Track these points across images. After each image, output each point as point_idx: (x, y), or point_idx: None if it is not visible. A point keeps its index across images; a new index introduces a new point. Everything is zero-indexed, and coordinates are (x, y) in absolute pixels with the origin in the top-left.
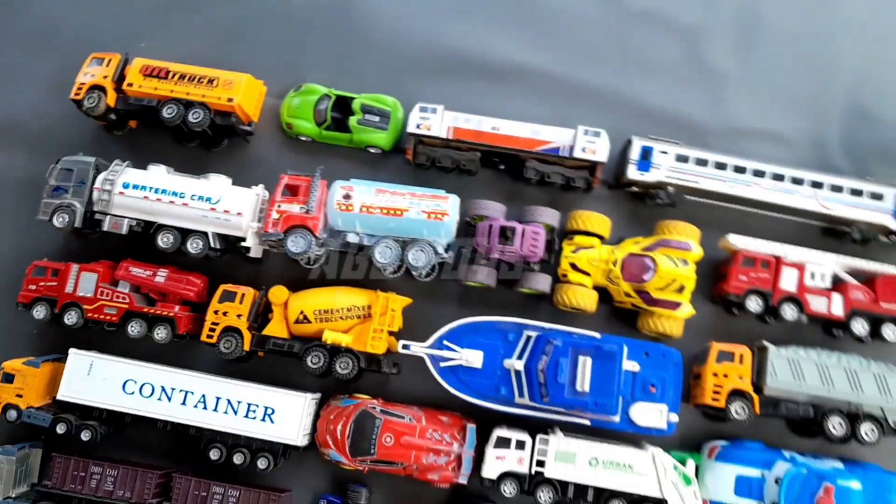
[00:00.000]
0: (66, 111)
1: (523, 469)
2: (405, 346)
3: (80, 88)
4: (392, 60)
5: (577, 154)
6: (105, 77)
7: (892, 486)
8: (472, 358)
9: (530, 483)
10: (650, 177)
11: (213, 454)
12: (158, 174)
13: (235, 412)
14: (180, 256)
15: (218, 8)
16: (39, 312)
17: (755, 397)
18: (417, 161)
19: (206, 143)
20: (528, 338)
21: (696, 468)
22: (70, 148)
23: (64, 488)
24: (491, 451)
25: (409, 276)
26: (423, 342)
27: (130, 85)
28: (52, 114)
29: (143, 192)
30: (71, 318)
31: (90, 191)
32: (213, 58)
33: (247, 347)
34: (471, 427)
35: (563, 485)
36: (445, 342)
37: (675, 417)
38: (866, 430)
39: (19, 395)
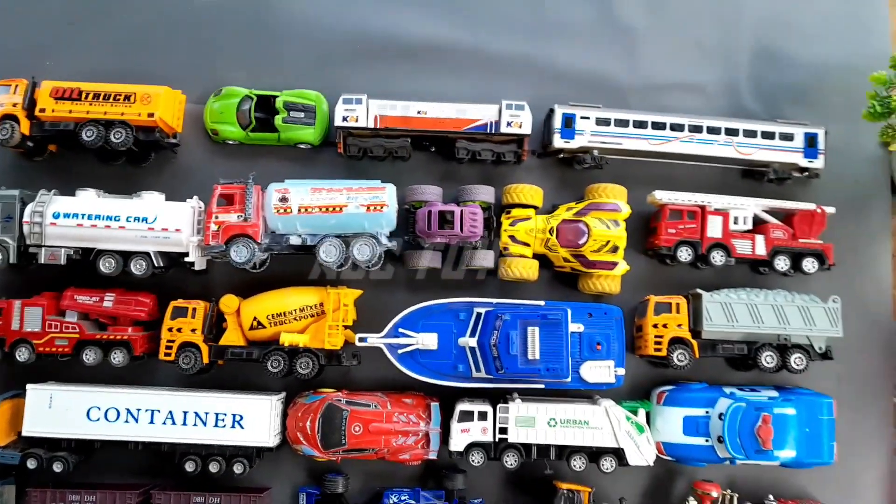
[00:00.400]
0: None
1: (488, 438)
2: (362, 339)
3: None
4: (308, 52)
5: (504, 129)
6: (14, 105)
7: (821, 406)
8: (428, 341)
9: (496, 450)
10: (575, 143)
11: (189, 466)
12: (89, 199)
13: (205, 423)
14: (123, 276)
15: (119, 19)
16: None
17: (694, 343)
18: (349, 153)
19: (133, 159)
20: (479, 315)
21: (647, 415)
22: None
23: None
24: (456, 426)
25: (355, 268)
26: (378, 332)
27: (43, 110)
28: None
29: (75, 219)
30: (22, 355)
31: (20, 225)
32: (123, 71)
33: (206, 360)
34: (434, 405)
35: (527, 447)
36: (400, 329)
37: (621, 371)
38: (795, 359)
39: None
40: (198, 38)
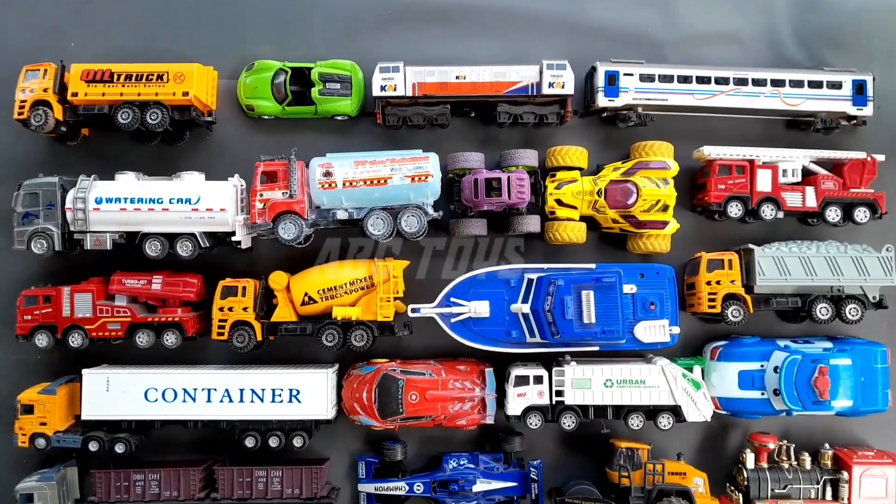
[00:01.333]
0: (11, 131)
1: (544, 401)
2: (415, 310)
3: (22, 106)
4: (339, 21)
5: (546, 90)
6: (46, 90)
7: (876, 355)
8: (480, 308)
9: (553, 412)
10: (619, 101)
11: (249, 442)
12: (129, 183)
13: (262, 399)
14: (168, 258)
15: None
16: (41, 341)
17: (747, 298)
18: (388, 123)
19: (168, 139)
20: (530, 281)
21: (702, 371)
22: (26, 169)
23: (111, 500)
24: (512, 390)
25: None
26: (428, 302)
27: (75, 94)
28: None
29: (118, 204)
30: (76, 341)
31: (62, 212)
32: (149, 49)
33: (259, 338)
34: (488, 370)
35: (584, 408)
36: (452, 298)
37: (676, 329)
38: (850, 309)
39: (43, 424)
40: (223, 10)
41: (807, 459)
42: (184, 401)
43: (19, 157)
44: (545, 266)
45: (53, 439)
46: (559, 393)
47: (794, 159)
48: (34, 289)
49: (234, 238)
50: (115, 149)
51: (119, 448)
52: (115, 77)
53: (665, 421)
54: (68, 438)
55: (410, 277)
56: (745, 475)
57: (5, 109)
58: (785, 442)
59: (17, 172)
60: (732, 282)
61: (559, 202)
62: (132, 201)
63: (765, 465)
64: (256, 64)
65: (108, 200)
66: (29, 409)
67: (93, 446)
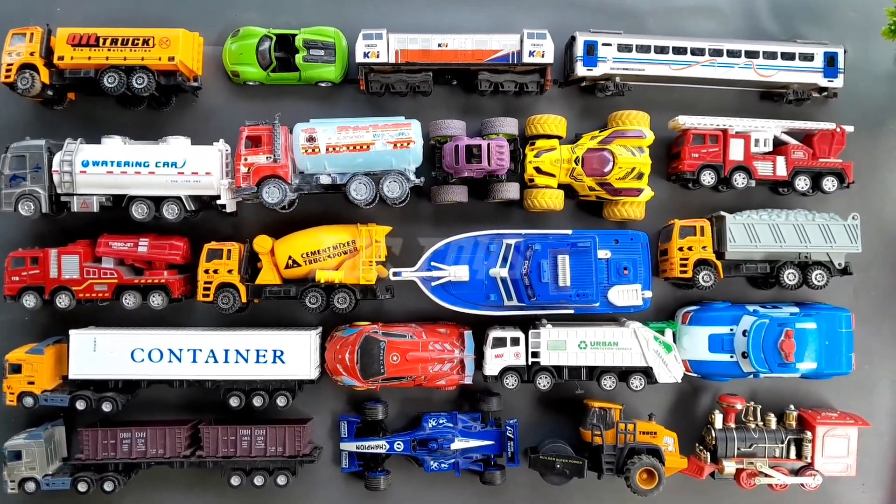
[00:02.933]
0: None
1: (521, 362)
2: (396, 274)
3: (8, 70)
4: None
5: (526, 59)
6: (32, 54)
7: (841, 319)
8: (460, 273)
9: (528, 373)
10: (598, 71)
11: (234, 401)
12: (115, 146)
13: (246, 360)
14: (154, 221)
15: None
16: (29, 301)
17: (718, 263)
18: (371, 90)
19: (154, 103)
20: (508, 246)
21: (673, 335)
22: (12, 132)
23: (98, 458)
24: (489, 352)
25: (382, 204)
26: (410, 266)
27: (62, 58)
28: None
29: (105, 167)
30: (63, 302)
31: (49, 174)
32: (136, 15)
33: (244, 300)
34: (467, 333)
35: (559, 369)
36: (433, 263)
37: (648, 294)
38: (816, 275)
39: (31, 383)
40: None
41: (772, 420)
42: (169, 361)
43: (6, 121)
44: (523, 231)
45: (41, 398)
46: (535, 354)
47: (766, 129)
48: (21, 250)
49: (219, 202)
50: (101, 114)
51: (106, 407)
52: (101, 41)
53: (637, 382)
54: (56, 397)
55: (392, 242)
56: (714, 435)
57: None
58: (752, 403)
59: (4, 136)
60: (704, 248)
61: (538, 170)
62: (119, 164)
63: (732, 425)
64: (242, 30)
65: (95, 163)
66: (17, 369)
67: (80, 405)
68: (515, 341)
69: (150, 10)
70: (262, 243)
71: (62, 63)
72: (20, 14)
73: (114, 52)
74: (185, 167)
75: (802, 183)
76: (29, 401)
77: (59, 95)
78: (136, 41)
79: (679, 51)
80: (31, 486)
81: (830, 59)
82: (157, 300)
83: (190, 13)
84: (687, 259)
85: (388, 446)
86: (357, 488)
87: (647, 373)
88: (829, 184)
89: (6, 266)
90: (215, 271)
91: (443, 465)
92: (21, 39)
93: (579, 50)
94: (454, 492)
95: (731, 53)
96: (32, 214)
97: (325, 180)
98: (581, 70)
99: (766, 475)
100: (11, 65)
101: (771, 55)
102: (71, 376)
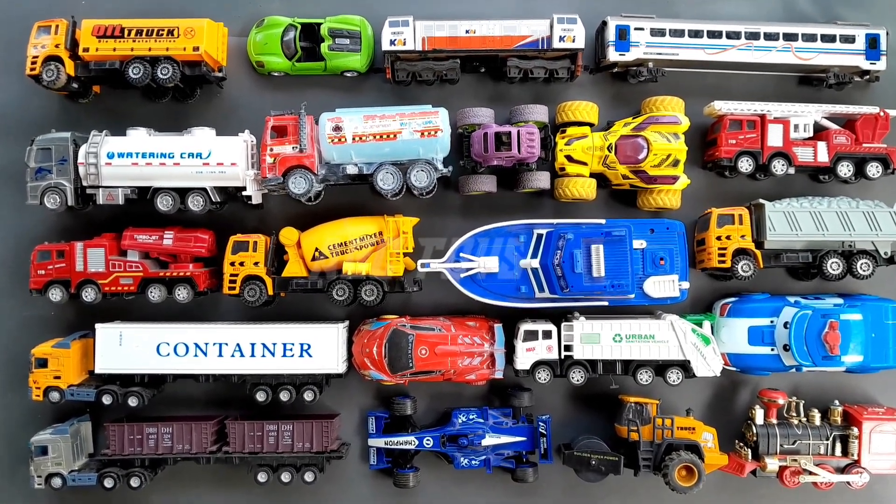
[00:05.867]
0: (23, 88)
1: (553, 356)
2: (424, 265)
3: (34, 62)
4: None
5: (556, 45)
6: (57, 46)
7: (887, 311)
8: (489, 264)
9: (561, 367)
10: (630, 56)
11: (260, 396)
12: (140, 138)
13: (273, 354)
14: (179, 214)
15: None
16: (55, 295)
17: (758, 253)
18: (397, 79)
19: (179, 95)
20: (539, 236)
21: (712, 327)
22: (38, 125)
23: (124, 453)
24: (521, 345)
25: (409, 195)
26: (437, 258)
27: (87, 50)
28: (9, 93)
29: (130, 159)
30: (89, 295)
31: (75, 167)
32: (160, 6)
33: (270, 292)
34: (497, 326)
35: (593, 363)
36: (461, 254)
37: (685, 285)
38: (862, 264)
39: (57, 377)
40: None
41: (816, 416)
42: (195, 355)
43: (31, 114)
44: (554, 221)
45: (67, 392)
46: (568, 348)
47: (806, 114)
48: (47, 244)
49: (244, 193)
50: (126, 106)
51: (132, 401)
52: (126, 32)
53: (674, 376)
54: (82, 392)
55: (420, 234)
56: (755, 431)
57: (18, 66)
58: (794, 398)
59: (30, 129)
60: (743, 237)
61: (569, 158)
62: (144, 156)
63: (774, 421)
64: (266, 20)
65: (121, 155)
66: (43, 363)
67: (106, 399)
68: (547, 334)
69: (173, 1)
70: (288, 235)
71: (87, 55)
72: (45, 6)
73: (138, 43)
74: (210, 158)
75: (845, 169)
76: (55, 395)
77: (84, 88)
78: (160, 32)
79: (714, 34)
80: (57, 482)
81: (872, 41)
82: (182, 293)
83: (214, 3)
84: (725, 249)
85: (417, 442)
86: (386, 485)
87: (684, 366)
88: (874, 170)
89: (32, 260)
90: (241, 264)
91: (473, 462)
92: (46, 32)
93: (611, 35)
94: (485, 489)
95: (769, 36)
96: (58, 207)
97: (351, 170)
98: (613, 55)
99: (811, 473)
100: (37, 57)
101: (810, 37)
102: (97, 370)
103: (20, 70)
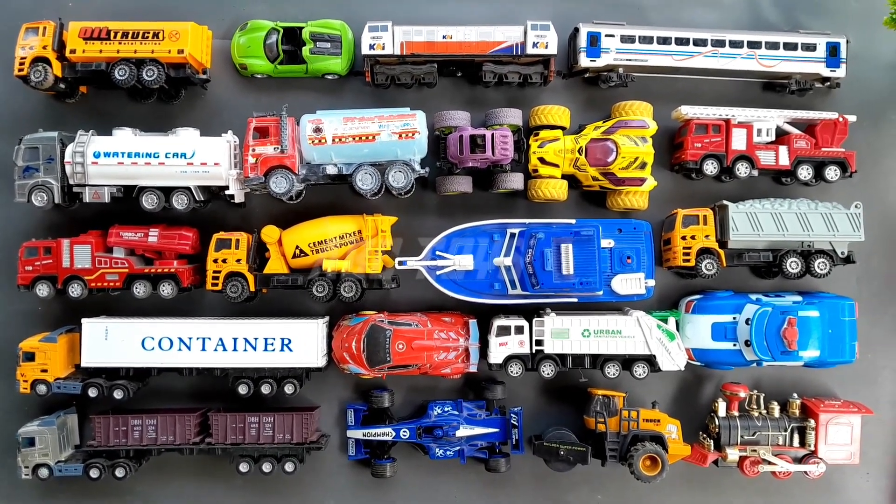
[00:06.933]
0: (11, 88)
1: (525, 350)
2: (402, 263)
3: (22, 63)
4: None
5: (530, 51)
6: (45, 47)
7: (844, 308)
8: (464, 262)
9: (533, 361)
10: (601, 62)
11: (242, 389)
12: (126, 138)
13: (255, 348)
14: (164, 212)
15: None
16: (42, 291)
17: (721, 252)
18: (376, 82)
19: (164, 96)
20: (512, 235)
21: (677, 323)
22: (25, 125)
23: (109, 444)
24: (494, 340)
25: (388, 195)
26: (415, 256)
27: (73, 51)
28: None
29: (116, 158)
30: (75, 291)
31: (62, 165)
32: (146, 9)
33: (252, 289)
34: (472, 322)
35: (562, 357)
36: (437, 252)
37: (652, 282)
38: (819, 263)
39: (44, 371)
40: None
41: (776, 408)
42: (179, 349)
43: (19, 114)
44: (527, 221)
45: (54, 385)
46: (539, 342)
47: (769, 119)
48: (35, 241)
49: (227, 192)
50: (112, 107)
51: (118, 394)
52: (112, 35)
53: (640, 370)
54: (68, 385)
55: (398, 233)
56: (717, 423)
57: (6, 67)
58: (755, 392)
59: (18, 128)
60: (707, 237)
61: (542, 160)
62: (129, 155)
63: (736, 413)
64: (250, 24)
65: (107, 154)
66: (30, 357)
67: (92, 392)
68: (520, 329)
69: (159, 3)
70: (269, 233)
71: (74, 56)
72: (33, 8)
73: (124, 46)
74: (194, 158)
75: (805, 172)
76: (42, 388)
77: (71, 88)
78: (146, 34)
79: (681, 41)
80: (44, 472)
81: (833, 49)
82: (167, 289)
83: (198, 7)
84: (690, 248)
85: (394, 434)
86: (363, 475)
87: (650, 361)
88: (832, 173)
89: (20, 256)
90: (224, 261)
91: (448, 453)
92: (34, 33)
93: (582, 41)
94: (459, 479)
95: (734, 44)
96: (45, 205)
97: (331, 171)
98: (584, 61)
99: (770, 463)
100: (25, 58)
101: (773, 45)
102: (83, 364)
103: (8, 70)
